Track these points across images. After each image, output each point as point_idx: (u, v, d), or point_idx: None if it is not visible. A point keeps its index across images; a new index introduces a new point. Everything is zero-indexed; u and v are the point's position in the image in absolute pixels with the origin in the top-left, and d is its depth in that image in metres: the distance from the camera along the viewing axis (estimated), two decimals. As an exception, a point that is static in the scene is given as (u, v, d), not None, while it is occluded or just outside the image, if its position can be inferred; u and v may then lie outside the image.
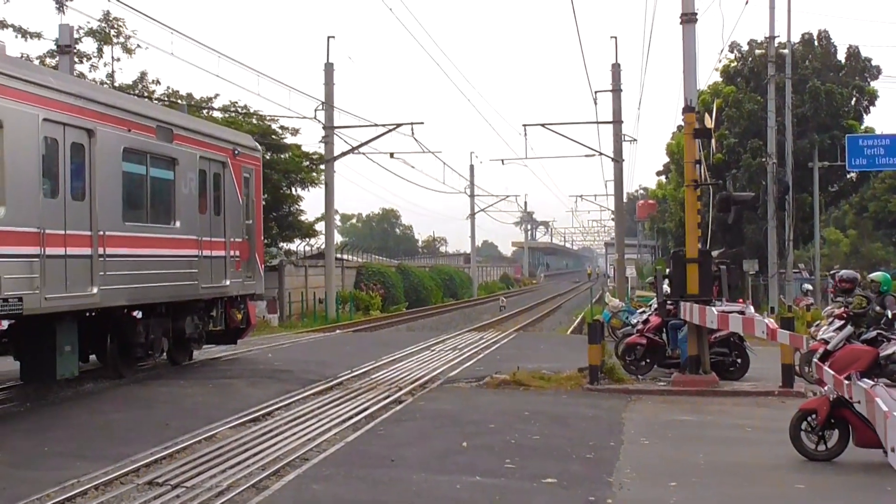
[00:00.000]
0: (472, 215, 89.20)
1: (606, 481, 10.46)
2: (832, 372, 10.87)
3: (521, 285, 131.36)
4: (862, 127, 49.39)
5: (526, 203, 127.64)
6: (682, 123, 18.74)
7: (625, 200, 55.86)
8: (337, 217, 76.74)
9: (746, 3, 34.25)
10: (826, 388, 11.17)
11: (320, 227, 50.82)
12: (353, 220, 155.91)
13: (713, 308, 16.93)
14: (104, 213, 16.38)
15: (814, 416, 11.35)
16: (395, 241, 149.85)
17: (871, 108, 52.14)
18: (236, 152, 21.87)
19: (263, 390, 17.17)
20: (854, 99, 51.10)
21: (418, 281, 75.13)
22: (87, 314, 17.07)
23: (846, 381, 9.42)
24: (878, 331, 13.74)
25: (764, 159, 37.88)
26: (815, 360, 13.17)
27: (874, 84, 52.17)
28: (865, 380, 9.02)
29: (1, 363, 19.61)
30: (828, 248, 72.35)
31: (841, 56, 52.55)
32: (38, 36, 36.32)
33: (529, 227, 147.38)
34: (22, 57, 35.62)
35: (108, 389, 17.24)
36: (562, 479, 10.54)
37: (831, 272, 22.93)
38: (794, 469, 11.09)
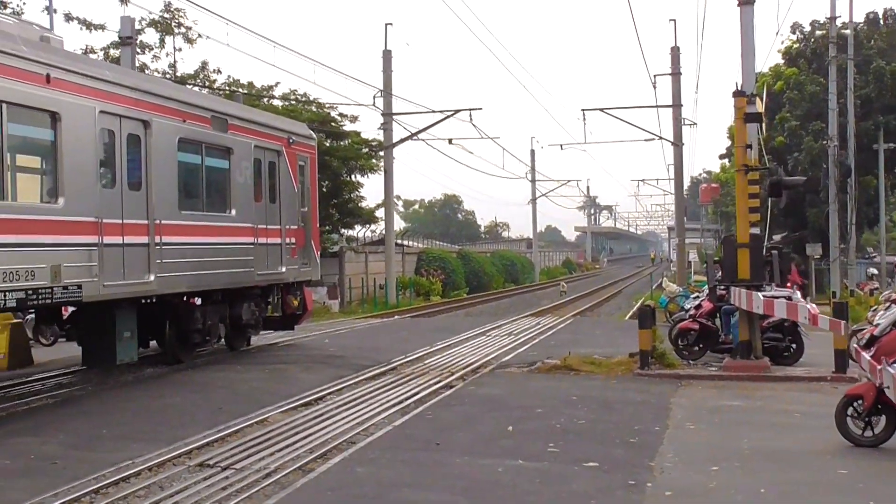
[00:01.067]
0: (534, 200, 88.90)
1: (648, 465, 10.45)
2: (868, 357, 10.76)
3: (584, 270, 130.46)
4: (930, 107, 48.38)
5: (588, 188, 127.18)
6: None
7: (688, 184, 55.47)
8: (399, 203, 77.19)
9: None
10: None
11: (381, 213, 50.86)
12: (416, 206, 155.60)
13: (759, 294, 16.87)
14: (160, 203, 16.58)
15: (860, 401, 11.19)
16: (457, 226, 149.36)
17: (938, 87, 51.04)
18: (291, 140, 22.00)
19: (317, 375, 17.25)
20: (922, 78, 50.04)
21: (479, 266, 74.86)
22: (146, 301, 17.33)
23: (878, 367, 9.36)
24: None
25: (824, 142, 37.32)
26: (854, 345, 13.02)
27: (944, 62, 51.03)
28: (894, 365, 8.93)
29: (65, 348, 20.07)
30: (896, 232, 71.09)
31: (908, 35, 51.56)
32: (102, 28, 36.76)
33: (592, 211, 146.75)
34: (86, 49, 36.25)
35: (167, 374, 17.48)
36: (603, 463, 10.55)
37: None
38: (839, 455, 10.96)
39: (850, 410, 11.31)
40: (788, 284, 37.03)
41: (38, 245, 13.60)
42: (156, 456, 10.54)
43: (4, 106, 13.09)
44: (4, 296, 12.93)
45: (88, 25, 36.71)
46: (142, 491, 9.24)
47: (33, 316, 19.62)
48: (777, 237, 43.81)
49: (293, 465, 10.30)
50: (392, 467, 10.34)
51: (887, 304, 14.57)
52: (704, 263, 36.80)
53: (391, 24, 46.65)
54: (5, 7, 31.38)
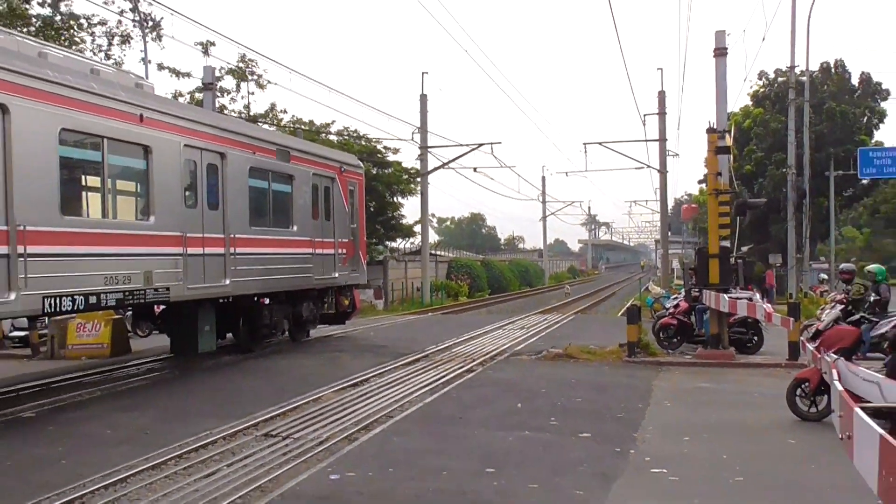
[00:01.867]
0: (544, 218, 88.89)
1: (632, 437, 10.43)
2: (811, 347, 10.73)
3: (585, 276, 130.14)
4: (872, 141, 48.40)
5: (589, 208, 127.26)
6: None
7: (672, 204, 55.35)
8: (434, 220, 77.29)
9: (763, 39, 33.73)
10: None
11: (418, 228, 50.81)
12: (447, 223, 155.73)
13: (725, 296, 16.82)
14: (234, 220, 16.70)
15: (807, 383, 11.20)
16: (481, 239, 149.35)
17: (880, 125, 51.09)
18: (343, 169, 22.09)
19: (363, 361, 17.27)
20: (866, 118, 50.06)
21: (499, 272, 74.91)
22: (223, 301, 17.41)
23: (819, 356, 9.33)
24: (862, 314, 13.47)
25: (784, 170, 37.16)
26: (802, 338, 12.97)
27: (884, 105, 51.07)
28: (831, 354, 8.89)
29: (157, 340, 20.23)
30: (845, 244, 70.72)
31: (855, 81, 51.37)
32: (188, 75, 37.08)
33: (592, 227, 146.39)
34: (175, 93, 36.56)
35: (240, 361, 17.56)
36: (595, 434, 10.54)
37: (840, 265, 22.39)
38: (789, 428, 10.93)
39: (798, 391, 11.34)
40: (767, 285, 36.81)
41: (133, 255, 13.74)
42: (229, 428, 10.60)
43: (105, 141, 13.25)
44: (106, 296, 13.08)
45: (177, 73, 37.02)
46: (217, 456, 9.31)
47: (131, 312, 19.83)
48: (744, 249, 43.74)
49: (341, 435, 10.34)
50: (422, 437, 10.37)
51: (832, 304, 14.50)
52: (686, 271, 36.70)
53: (427, 72, 46.97)
54: (109, 58, 31.71)
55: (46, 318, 18.26)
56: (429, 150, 45.58)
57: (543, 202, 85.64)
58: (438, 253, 65.04)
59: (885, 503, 4.00)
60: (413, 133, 44.78)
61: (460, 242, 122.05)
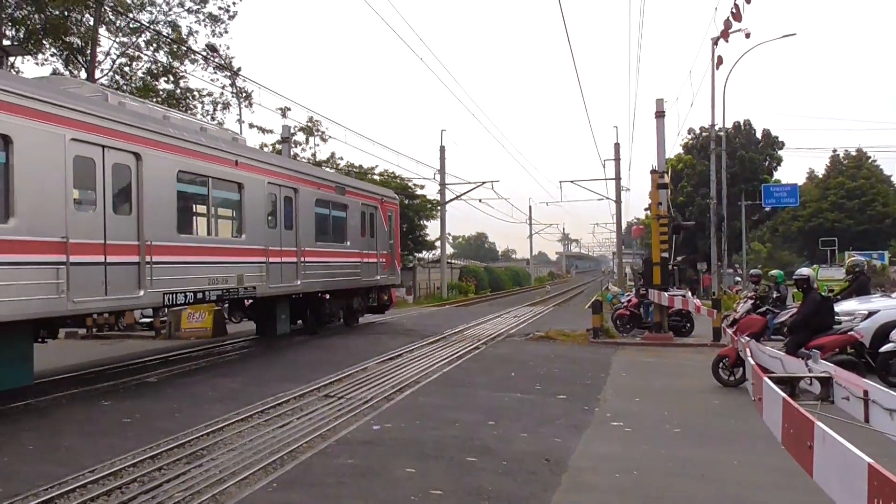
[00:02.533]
0: (531, 236, 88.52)
1: (596, 398, 10.35)
2: (730, 332, 10.61)
3: (561, 279, 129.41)
4: (772, 179, 48.04)
5: (564, 228, 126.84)
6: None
7: (625, 226, 55.04)
8: (449, 237, 76.81)
9: (692, 105, 33.48)
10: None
11: (438, 243, 50.82)
12: (460, 240, 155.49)
13: (665, 293, 16.67)
14: (304, 237, 16.71)
15: (727, 358, 11.08)
16: (484, 251, 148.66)
17: (778, 167, 50.73)
18: (383, 200, 22.09)
19: (397, 341, 17.27)
20: (767, 162, 49.80)
21: (497, 276, 74.57)
22: (295, 296, 17.44)
23: (736, 338, 9.22)
24: (768, 307, 13.32)
25: (708, 200, 36.90)
26: (724, 324, 12.82)
27: (780, 152, 50.83)
28: (745, 337, 8.78)
29: (246, 325, 20.27)
30: (753, 255, 70.26)
31: (759, 135, 51.11)
32: (271, 131, 37.30)
33: (566, 242, 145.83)
34: (261, 144, 36.74)
35: (307, 341, 17.52)
36: (569, 396, 10.46)
37: (750, 271, 22.14)
38: (714, 392, 10.82)
39: (720, 364, 11.21)
40: (705, 285, 36.37)
41: (229, 262, 13.77)
42: (298, 390, 10.58)
43: (210, 179, 13.31)
44: (209, 292, 13.11)
45: (262, 130, 37.22)
46: (289, 411, 9.27)
47: (227, 305, 19.87)
48: (679, 259, 43.43)
49: (381, 395, 10.30)
50: (441, 397, 10.32)
51: (745, 300, 14.34)
52: (636, 275, 36.50)
53: (445, 129, 48.02)
54: (213, 120, 31.92)
55: (166, 309, 18.32)
56: (446, 186, 45.65)
57: (530, 224, 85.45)
58: (453, 261, 64.83)
59: (786, 447, 3.93)
60: (434, 174, 45.01)
61: (469, 254, 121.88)
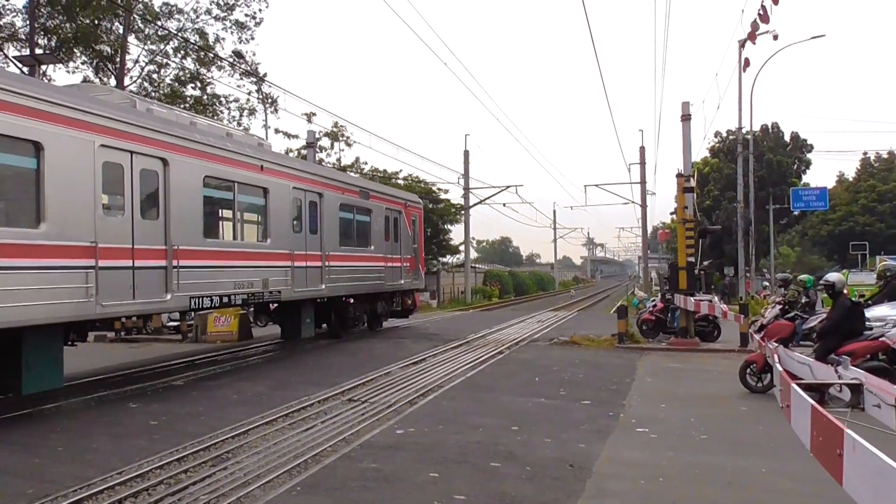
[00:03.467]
0: (555, 240, 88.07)
1: (621, 403, 10.26)
2: (758, 338, 10.45)
3: (586, 283, 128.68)
4: (801, 183, 47.39)
5: (588, 233, 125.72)
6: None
7: (650, 230, 54.47)
8: (473, 241, 76.87)
9: (718, 107, 33.23)
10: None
11: (462, 247, 50.72)
12: (484, 244, 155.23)
13: (691, 298, 16.49)
14: (329, 241, 16.76)
15: (754, 364, 10.92)
16: (508, 256, 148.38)
17: (807, 170, 50.12)
18: (407, 204, 22.10)
19: (421, 345, 17.25)
20: (796, 165, 49.16)
21: (521, 280, 74.55)
22: (319, 300, 17.50)
23: (764, 344, 9.08)
24: (796, 312, 13.09)
25: (735, 204, 36.46)
26: (751, 330, 12.64)
27: (809, 155, 50.17)
28: (773, 342, 8.63)
29: (271, 328, 20.38)
30: (782, 259, 69.41)
31: (787, 138, 50.48)
32: (296, 137, 37.60)
33: (591, 247, 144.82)
34: (286, 150, 37.01)
35: (331, 345, 17.57)
36: (594, 401, 10.39)
37: (778, 275, 21.86)
38: (741, 398, 10.66)
39: (748, 370, 11.05)
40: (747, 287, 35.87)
41: (255, 267, 13.85)
42: (322, 394, 10.62)
43: (236, 184, 13.42)
44: (235, 297, 13.21)
45: (288, 135, 37.59)
46: (313, 415, 9.31)
47: (253, 308, 19.99)
48: (705, 263, 42.97)
49: (405, 400, 10.30)
50: (464, 402, 10.29)
51: (773, 305, 14.11)
52: (661, 279, 36.19)
53: (468, 134, 47.61)
54: (239, 125, 32.23)
55: (192, 313, 18.50)
56: (470, 190, 45.60)
57: (554, 229, 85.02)
58: (477, 266, 64.93)
59: (815, 455, 3.86)
60: (458, 178, 44.94)
61: (493, 258, 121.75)
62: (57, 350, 10.01)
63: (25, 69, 20.86)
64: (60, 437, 8.11)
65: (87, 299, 9.56)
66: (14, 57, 24.70)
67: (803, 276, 15.76)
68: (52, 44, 28.05)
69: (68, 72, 30.26)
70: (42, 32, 27.77)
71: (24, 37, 26.88)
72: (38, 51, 24.51)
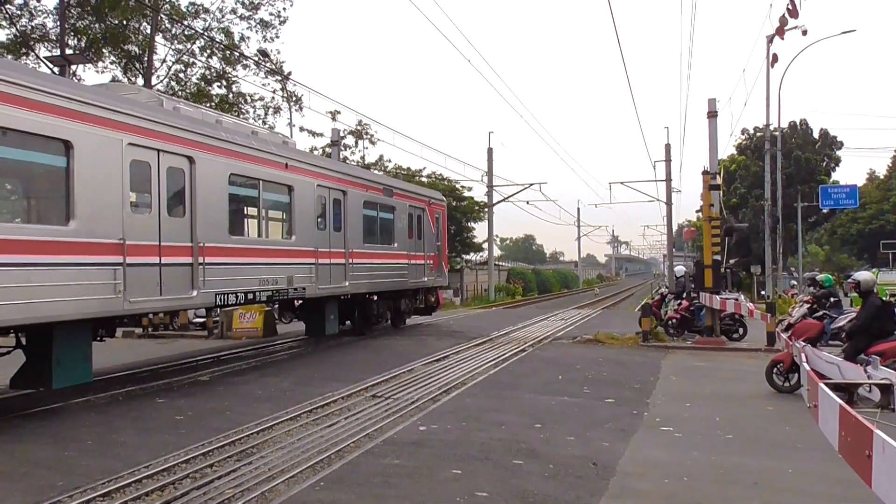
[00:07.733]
0: (579, 238, 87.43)
1: (645, 402, 10.19)
2: (785, 337, 10.32)
3: (610, 281, 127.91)
4: (830, 180, 46.73)
5: (613, 231, 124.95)
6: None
7: (675, 228, 53.99)
8: (497, 239, 76.90)
9: (745, 104, 32.76)
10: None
11: (486, 245, 50.64)
12: (507, 241, 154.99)
13: (717, 296, 16.31)
14: (352, 238, 16.82)
15: (781, 364, 10.79)
16: (532, 253, 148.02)
17: (836, 168, 49.41)
18: (430, 202, 22.11)
19: (444, 342, 17.27)
20: (825, 162, 48.44)
21: (545, 278, 74.24)
22: (343, 297, 17.56)
23: (791, 343, 8.96)
24: (825, 311, 12.90)
25: (762, 202, 36.00)
26: (778, 329, 12.47)
27: (838, 153, 49.37)
28: (800, 342, 8.51)
29: (296, 325, 20.54)
30: (810, 258, 68.46)
31: (816, 135, 49.71)
32: (321, 135, 37.96)
33: (615, 245, 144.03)
34: (311, 148, 37.32)
35: (355, 341, 17.68)
36: (618, 399, 10.33)
37: (805, 274, 21.59)
38: (768, 398, 10.53)
39: (774, 370, 10.92)
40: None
41: (280, 264, 13.93)
42: (346, 390, 10.67)
43: (261, 182, 13.51)
44: (260, 293, 13.30)
45: (312, 133, 38.14)
46: (337, 411, 9.35)
47: (278, 305, 20.14)
48: (732, 261, 42.54)
49: (427, 396, 10.32)
50: (487, 399, 10.27)
51: (800, 304, 13.92)
52: (677, 280, 35.87)
53: (492, 132, 47.33)
54: (265, 124, 32.50)
55: (218, 309, 18.69)
56: (493, 188, 45.50)
57: (578, 226, 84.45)
58: (500, 263, 64.77)
59: (843, 456, 3.80)
60: (482, 176, 44.83)
61: (516, 256, 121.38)
62: (86, 345, 10.16)
63: (56, 69, 21.21)
64: (89, 431, 8.25)
65: (115, 295, 9.69)
66: (45, 57, 25.14)
67: (821, 276, 15.52)
68: (82, 44, 28.51)
69: (97, 71, 30.75)
70: (72, 33, 28.23)
71: (54, 37, 27.37)
72: (69, 51, 24.92)
